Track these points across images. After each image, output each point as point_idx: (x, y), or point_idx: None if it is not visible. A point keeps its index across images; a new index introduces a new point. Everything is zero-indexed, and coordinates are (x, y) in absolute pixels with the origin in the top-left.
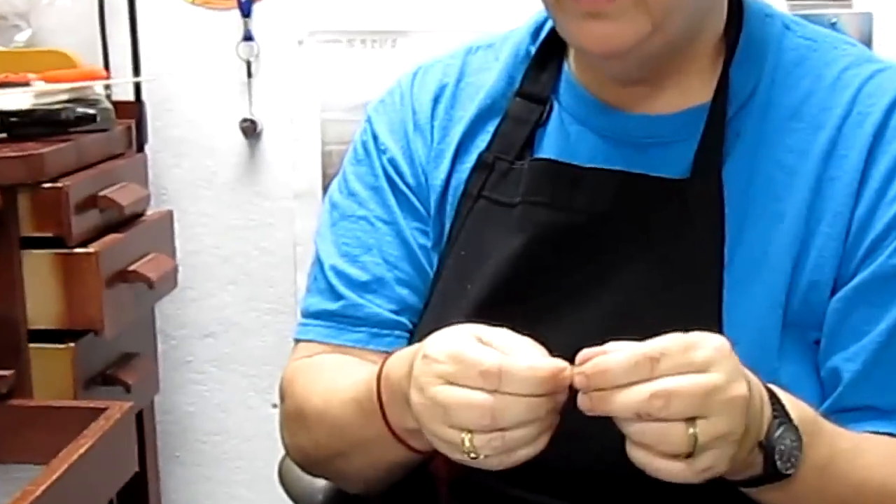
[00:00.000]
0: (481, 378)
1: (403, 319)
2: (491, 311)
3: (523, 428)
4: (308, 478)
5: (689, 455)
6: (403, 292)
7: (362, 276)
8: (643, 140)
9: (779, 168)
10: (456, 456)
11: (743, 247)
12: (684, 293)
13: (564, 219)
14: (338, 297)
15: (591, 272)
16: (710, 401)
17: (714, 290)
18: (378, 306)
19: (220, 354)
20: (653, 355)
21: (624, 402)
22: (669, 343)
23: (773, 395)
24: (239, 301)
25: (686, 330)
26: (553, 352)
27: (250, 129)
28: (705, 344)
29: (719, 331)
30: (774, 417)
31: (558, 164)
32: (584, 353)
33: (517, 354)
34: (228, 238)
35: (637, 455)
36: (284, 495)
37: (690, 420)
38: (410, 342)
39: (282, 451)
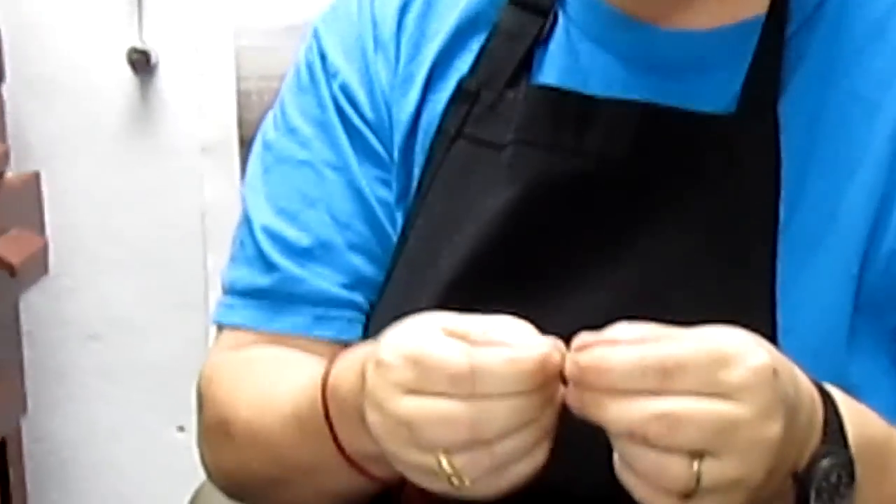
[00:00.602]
0: (450, 382)
1: (357, 297)
2: (469, 289)
3: (514, 437)
4: None
5: (687, 496)
6: (357, 260)
7: (303, 239)
8: (676, 63)
9: (854, 101)
10: (436, 485)
11: (805, 204)
12: (726, 266)
13: (570, 166)
14: (271, 267)
15: (604, 237)
16: (728, 437)
17: (765, 261)
18: (324, 279)
19: (109, 363)
20: (668, 365)
21: (618, 415)
22: (694, 352)
23: (831, 410)
24: (132, 292)
25: (725, 314)
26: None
27: (142, 63)
28: (742, 362)
29: (771, 315)
30: (823, 443)
31: (564, 94)
32: (582, 339)
33: (497, 338)
34: (115, 208)
35: (625, 477)
36: None
37: (698, 454)
38: (367, 328)
39: (193, 487)
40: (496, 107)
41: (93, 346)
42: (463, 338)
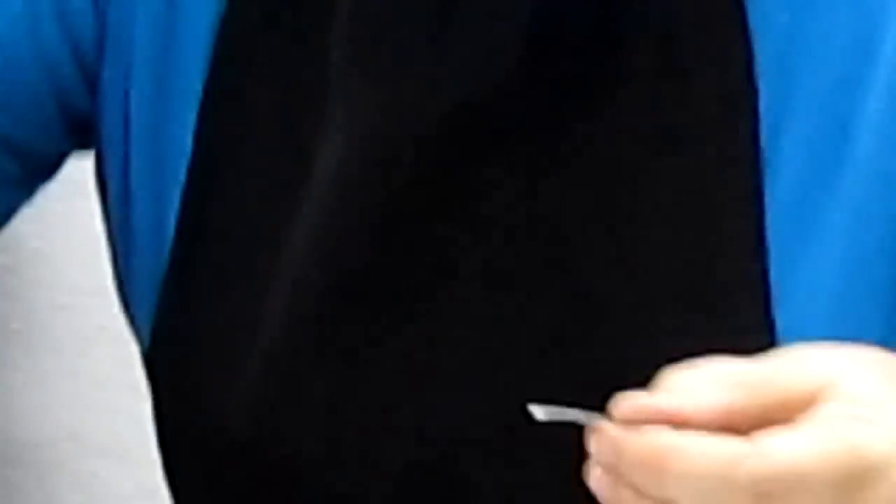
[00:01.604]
0: None
1: None
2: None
3: None
4: None
5: None
6: None
7: None
8: None
9: None
10: None
11: (793, 131)
12: (679, 251)
13: (427, 105)
14: None
15: (491, 220)
16: None
17: (745, 236)
18: None
19: None
20: (769, 488)
21: None
22: (816, 462)
23: None
24: None
25: (684, 331)
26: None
27: None
28: (886, 476)
29: (764, 317)
30: None
31: None
32: (631, 406)
33: None
34: None
35: None
36: None
37: None
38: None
39: None
40: None
41: None
42: None
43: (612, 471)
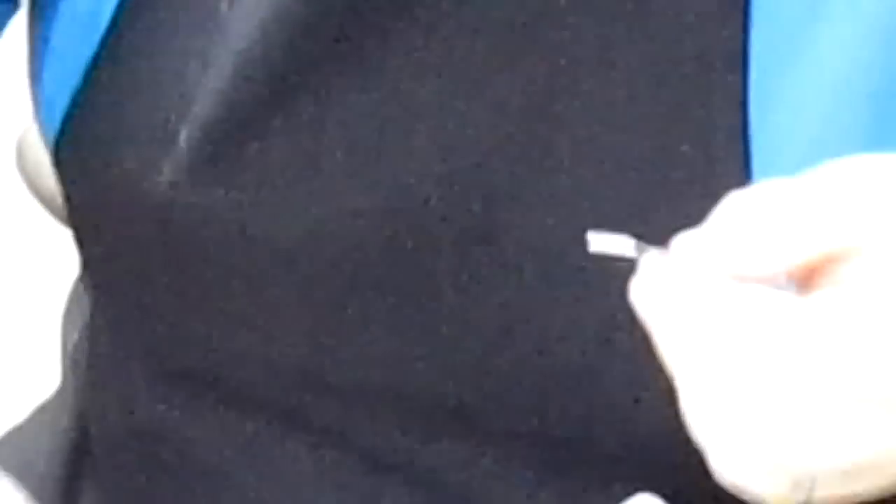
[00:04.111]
0: None
1: None
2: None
3: None
4: None
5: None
6: None
7: None
8: None
9: None
10: None
11: None
12: (660, 65)
13: None
14: None
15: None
16: None
17: (727, 43)
18: None
19: None
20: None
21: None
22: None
23: None
24: None
25: (658, 146)
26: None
27: None
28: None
29: (742, 149)
30: None
31: None
32: (682, 239)
33: None
34: None
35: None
36: None
37: None
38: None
39: None
40: None
41: None
42: None
43: (661, 296)
